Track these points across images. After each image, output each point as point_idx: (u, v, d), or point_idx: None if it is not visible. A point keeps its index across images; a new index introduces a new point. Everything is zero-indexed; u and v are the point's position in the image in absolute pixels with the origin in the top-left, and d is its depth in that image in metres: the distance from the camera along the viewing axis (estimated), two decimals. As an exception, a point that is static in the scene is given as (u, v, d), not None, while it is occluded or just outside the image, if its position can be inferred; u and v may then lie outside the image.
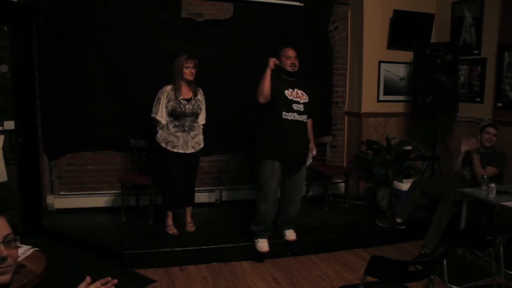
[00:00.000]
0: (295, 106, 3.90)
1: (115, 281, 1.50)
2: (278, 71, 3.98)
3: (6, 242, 1.42)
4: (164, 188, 4.33)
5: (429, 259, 2.46)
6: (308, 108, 3.99)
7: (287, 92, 3.90)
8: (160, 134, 4.13)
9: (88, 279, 1.48)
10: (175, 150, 4.11)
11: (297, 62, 4.01)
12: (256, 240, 4.08)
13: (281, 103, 3.88)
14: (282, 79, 3.98)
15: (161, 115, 4.08)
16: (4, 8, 4.07)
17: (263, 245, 4.04)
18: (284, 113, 3.86)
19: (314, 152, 4.23)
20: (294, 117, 3.89)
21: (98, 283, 1.48)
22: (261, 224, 4.05)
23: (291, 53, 4.01)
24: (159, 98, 4.10)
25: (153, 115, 4.13)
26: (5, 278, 1.40)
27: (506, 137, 4.31)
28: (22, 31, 4.31)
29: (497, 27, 4.72)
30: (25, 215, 4.38)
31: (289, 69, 3.97)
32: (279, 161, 3.90)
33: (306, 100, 3.98)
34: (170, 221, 4.33)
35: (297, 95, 3.95)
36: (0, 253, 1.39)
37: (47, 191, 4.92)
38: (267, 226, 4.07)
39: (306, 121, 4.00)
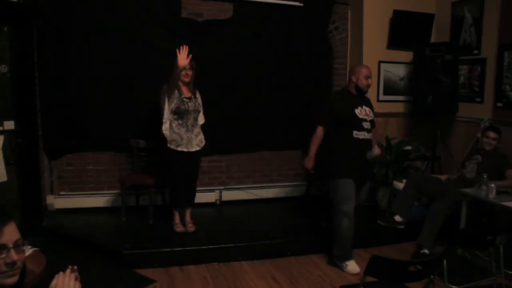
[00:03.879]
0: (364, 125, 3.85)
1: (75, 267, 1.56)
2: (348, 88, 3.98)
3: (16, 247, 1.47)
4: (171, 187, 4.39)
5: (429, 259, 2.47)
6: (373, 125, 3.95)
7: (357, 111, 3.84)
8: (166, 133, 4.15)
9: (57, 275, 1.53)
10: (179, 149, 4.14)
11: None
12: (344, 264, 3.90)
13: (352, 122, 3.81)
14: (352, 97, 3.93)
15: (164, 111, 4.13)
16: (4, 8, 4.07)
17: (354, 267, 3.86)
18: (355, 132, 3.80)
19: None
20: (364, 136, 3.83)
21: (61, 277, 1.52)
22: (346, 245, 3.88)
23: (370, 73, 3.99)
24: (164, 90, 4.14)
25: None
26: (13, 280, 1.47)
27: (507, 137, 4.31)
28: (22, 31, 4.30)
29: (497, 27, 4.73)
30: (25, 215, 4.38)
31: (365, 89, 3.97)
32: (352, 178, 3.80)
33: (372, 117, 3.94)
34: (177, 219, 4.37)
35: (366, 113, 3.90)
36: (11, 257, 1.44)
37: (47, 191, 4.92)
38: (350, 246, 3.91)
39: (371, 138, 3.92)
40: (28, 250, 2.54)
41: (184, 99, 4.13)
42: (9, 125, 4.22)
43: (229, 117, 5.17)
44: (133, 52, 4.87)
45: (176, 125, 4.15)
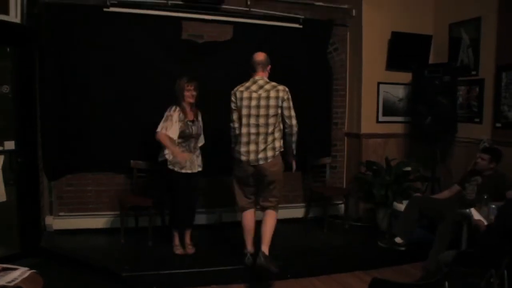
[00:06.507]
0: None
1: None
2: None
3: None
4: (172, 208, 4.37)
5: (431, 282, 2.45)
6: None
7: None
8: (169, 155, 4.16)
9: None
10: (183, 171, 4.16)
11: None
12: None
13: None
14: None
15: (174, 133, 4.12)
16: (6, 29, 4.11)
17: None
18: None
19: None
20: None
21: None
22: None
23: None
24: (171, 115, 4.14)
25: (159, 129, 4.14)
26: None
27: (506, 157, 4.31)
28: (24, 52, 4.34)
29: (494, 48, 4.77)
30: (24, 235, 4.34)
31: None
32: None
33: None
34: (177, 241, 4.35)
35: None
36: None
37: (46, 212, 4.90)
38: None
39: None
40: (25, 272, 2.52)
41: (188, 123, 4.17)
42: (10, 145, 4.22)
43: (228, 137, 5.16)
44: (133, 72, 4.90)
45: (179, 148, 4.17)
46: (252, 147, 3.83)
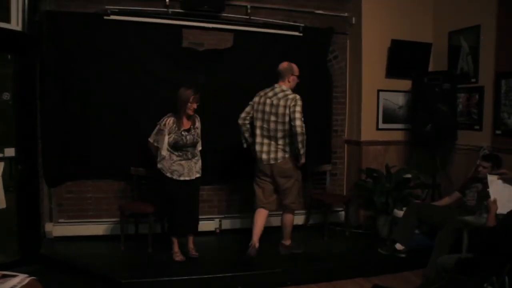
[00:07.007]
0: None
1: None
2: None
3: None
4: (170, 215, 4.38)
5: (431, 288, 2.44)
6: None
7: None
8: (164, 165, 4.18)
9: None
10: (181, 178, 4.18)
11: None
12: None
13: None
14: None
15: (163, 147, 4.17)
16: (7, 37, 4.13)
17: None
18: None
19: None
20: None
21: None
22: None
23: None
24: (162, 130, 4.20)
25: (150, 140, 4.30)
26: None
27: (506, 164, 4.31)
28: (25, 59, 4.36)
29: (493, 55, 4.79)
30: (23, 242, 4.34)
31: None
32: None
33: None
34: (176, 248, 4.35)
35: None
36: None
37: (46, 219, 4.89)
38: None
39: None
40: (25, 279, 2.52)
41: (182, 133, 4.18)
42: (10, 152, 4.23)
43: (228, 145, 5.18)
44: (133, 80, 4.92)
45: (176, 156, 4.19)
46: (265, 147, 4.25)
